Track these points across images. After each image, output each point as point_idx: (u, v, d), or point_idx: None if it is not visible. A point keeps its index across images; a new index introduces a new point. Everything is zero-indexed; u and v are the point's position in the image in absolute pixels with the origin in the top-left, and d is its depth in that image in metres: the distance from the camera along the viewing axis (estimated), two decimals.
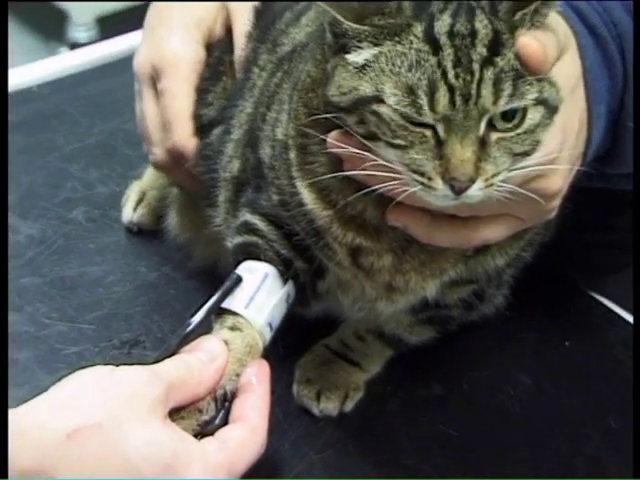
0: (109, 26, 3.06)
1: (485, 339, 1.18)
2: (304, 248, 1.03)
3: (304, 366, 1.15)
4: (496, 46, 0.86)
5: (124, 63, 1.48)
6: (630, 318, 1.26)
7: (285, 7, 1.14)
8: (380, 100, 0.87)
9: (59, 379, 0.93)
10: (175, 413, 0.93)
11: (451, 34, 0.86)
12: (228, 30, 1.20)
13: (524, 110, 0.87)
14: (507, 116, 0.87)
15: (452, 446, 1.10)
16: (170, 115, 1.16)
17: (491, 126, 0.87)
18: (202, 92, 1.18)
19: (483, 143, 0.86)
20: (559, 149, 0.93)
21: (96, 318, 1.18)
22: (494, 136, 0.87)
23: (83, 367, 0.94)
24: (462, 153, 0.86)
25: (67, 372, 0.94)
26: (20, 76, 1.48)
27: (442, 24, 0.87)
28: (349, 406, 1.12)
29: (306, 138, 0.95)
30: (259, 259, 1.05)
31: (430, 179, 0.87)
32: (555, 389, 1.17)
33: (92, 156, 1.37)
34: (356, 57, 0.89)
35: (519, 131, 0.87)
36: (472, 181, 0.86)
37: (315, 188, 0.98)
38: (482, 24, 0.86)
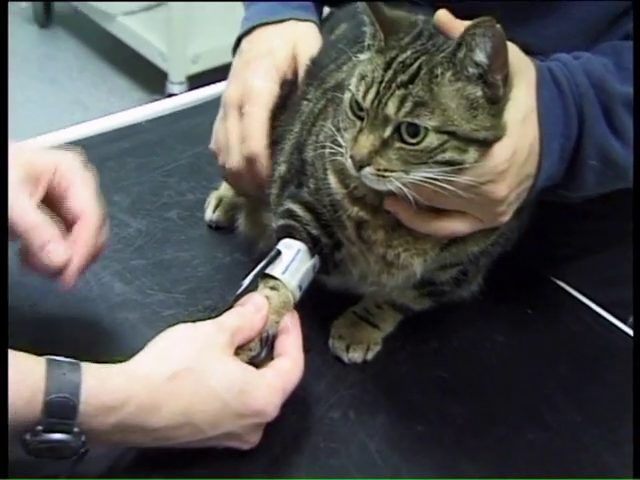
0: (195, 82, 3.10)
1: (470, 310, 1.19)
2: (327, 226, 1.07)
3: (337, 326, 1.16)
4: (414, 77, 0.90)
5: (206, 106, 1.53)
6: (576, 293, 1.28)
7: (329, 61, 1.15)
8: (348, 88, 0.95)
9: (158, 333, 0.98)
10: None
11: (400, 62, 0.91)
12: (296, 75, 1.21)
13: (425, 134, 0.90)
14: (412, 134, 0.90)
15: (445, 386, 1.13)
16: (251, 130, 1.16)
17: (400, 137, 0.90)
18: (272, 118, 1.18)
19: (386, 144, 0.91)
20: (508, 163, 0.95)
21: (186, 290, 1.21)
22: (397, 144, 0.91)
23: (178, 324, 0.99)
24: (364, 142, 0.92)
25: (164, 329, 0.99)
26: (133, 114, 1.51)
27: (403, 55, 0.92)
28: (370, 356, 1.15)
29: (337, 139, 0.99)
30: (294, 238, 1.08)
31: (346, 152, 0.93)
32: (521, 345, 1.19)
33: (183, 173, 1.39)
34: (361, 56, 0.96)
35: (416, 148, 0.90)
36: (363, 164, 0.91)
37: (338, 175, 1.02)
38: (418, 61, 0.91)
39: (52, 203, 1.03)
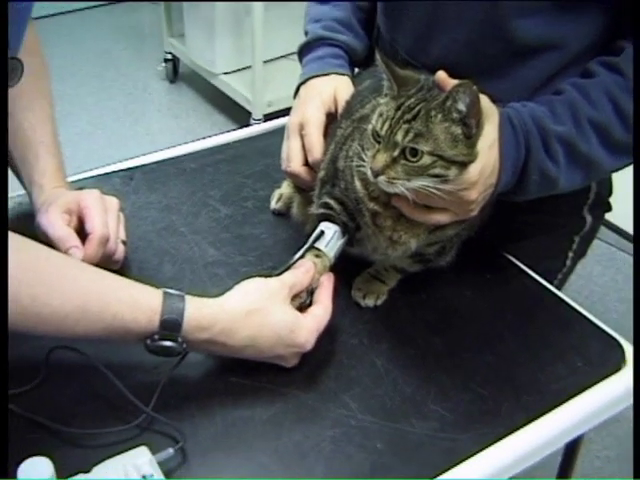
0: (270, 117, 3.07)
1: (448, 274, 1.16)
2: (352, 215, 1.05)
3: (357, 282, 1.14)
4: (415, 116, 0.89)
5: (274, 132, 1.49)
6: (520, 264, 1.23)
7: (357, 103, 1.13)
8: (371, 122, 0.93)
9: (236, 283, 0.96)
10: None
11: (407, 106, 0.90)
12: (336, 112, 1.19)
13: (422, 155, 0.89)
14: (413, 154, 0.89)
15: (429, 324, 1.10)
16: (313, 146, 1.14)
17: (405, 157, 0.89)
18: None
19: (395, 161, 0.90)
20: (478, 177, 0.94)
21: (256, 255, 1.19)
22: (402, 161, 0.90)
23: (250, 277, 0.97)
24: (380, 158, 0.90)
25: (241, 280, 0.97)
26: (225, 137, 1.50)
27: (409, 101, 0.90)
28: (379, 302, 1.12)
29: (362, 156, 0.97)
30: (331, 221, 1.07)
31: (367, 165, 0.92)
32: (482, 298, 1.16)
33: (257, 176, 1.38)
34: (381, 100, 0.94)
35: (414, 165, 0.89)
36: (379, 174, 0.90)
37: (361, 181, 1.01)
38: (419, 106, 0.90)
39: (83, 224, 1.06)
